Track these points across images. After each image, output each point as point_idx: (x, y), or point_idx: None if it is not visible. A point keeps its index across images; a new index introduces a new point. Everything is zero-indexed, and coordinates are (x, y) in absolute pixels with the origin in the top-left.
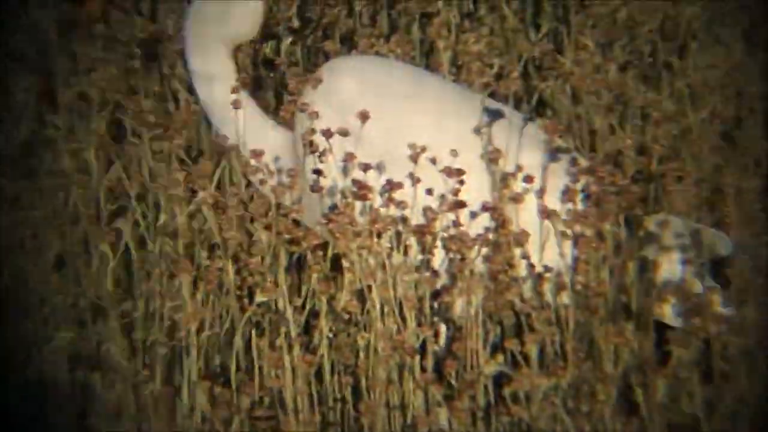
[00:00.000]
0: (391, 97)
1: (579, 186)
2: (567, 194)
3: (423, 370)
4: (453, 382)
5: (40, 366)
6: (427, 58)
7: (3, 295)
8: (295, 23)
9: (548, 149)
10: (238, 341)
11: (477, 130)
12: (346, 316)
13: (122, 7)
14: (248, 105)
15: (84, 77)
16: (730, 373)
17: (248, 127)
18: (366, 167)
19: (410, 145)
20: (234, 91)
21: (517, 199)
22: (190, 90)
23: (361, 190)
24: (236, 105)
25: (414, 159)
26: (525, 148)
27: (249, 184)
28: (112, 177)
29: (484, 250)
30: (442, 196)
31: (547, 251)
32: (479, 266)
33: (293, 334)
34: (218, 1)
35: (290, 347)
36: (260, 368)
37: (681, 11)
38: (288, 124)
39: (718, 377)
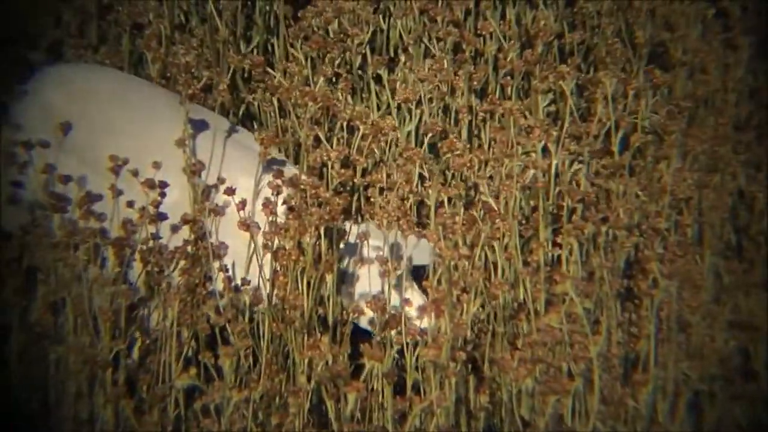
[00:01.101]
0: (97, 107)
1: (281, 198)
2: (268, 206)
3: (114, 383)
4: (144, 395)
5: None
6: (136, 70)
7: None
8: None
9: (255, 160)
10: None
11: (180, 142)
12: (39, 330)
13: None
14: None
15: None
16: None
17: None
18: (66, 179)
19: (112, 156)
20: None
21: (217, 211)
22: None
23: (59, 203)
24: None
25: (115, 171)
26: (230, 159)
27: None
28: None
29: (183, 263)
30: (143, 208)
31: (247, 263)
32: (177, 278)
33: None
34: None
35: None
36: None
37: (391, 24)
38: None
39: (410, 390)
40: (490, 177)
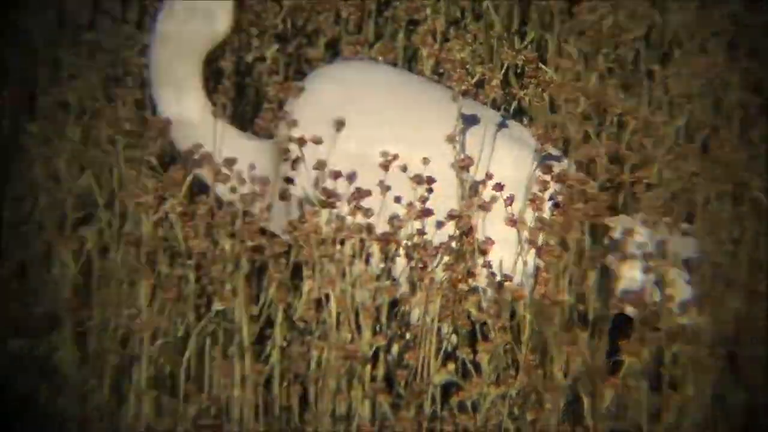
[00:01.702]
0: (370, 103)
1: (548, 194)
2: (534, 202)
3: (373, 379)
4: (402, 391)
5: None
6: (410, 66)
7: None
8: (281, 30)
9: (528, 154)
10: (191, 349)
11: (451, 139)
12: (302, 325)
13: (109, 14)
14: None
15: (64, 85)
16: (679, 382)
17: (223, 136)
18: (336, 175)
19: (383, 153)
20: (214, 102)
21: (484, 207)
22: None
23: (328, 199)
24: (216, 114)
25: (385, 167)
26: (501, 154)
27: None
28: (82, 184)
29: (446, 259)
30: (410, 204)
31: (511, 259)
32: (440, 275)
33: (246, 342)
34: (187, 7)
35: (242, 356)
36: (210, 377)
37: (667, 19)
38: (264, 133)
39: (666, 386)
40: None
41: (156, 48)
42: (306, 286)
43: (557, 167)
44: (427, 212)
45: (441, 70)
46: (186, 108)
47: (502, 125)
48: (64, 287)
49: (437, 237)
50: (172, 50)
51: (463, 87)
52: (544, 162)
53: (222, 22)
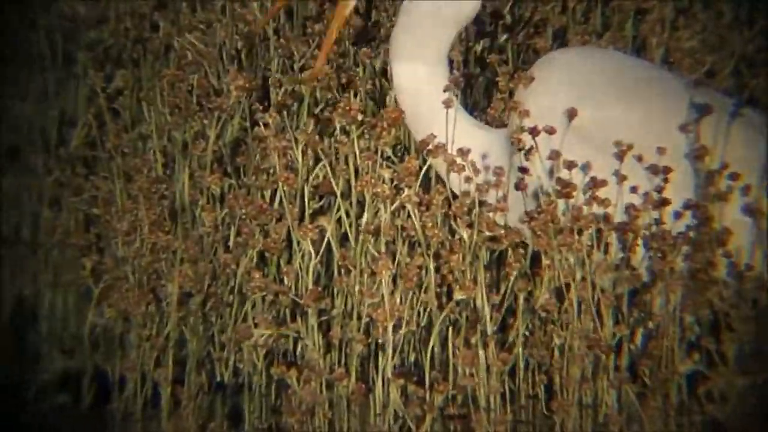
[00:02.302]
0: (602, 90)
1: None
2: None
3: (617, 368)
4: (647, 381)
5: (235, 363)
6: (638, 55)
7: (207, 291)
8: (508, 20)
9: (761, 144)
10: (434, 338)
11: (684, 128)
12: (543, 314)
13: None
14: (456, 104)
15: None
16: None
17: (456, 126)
18: (571, 165)
19: (616, 142)
20: (446, 89)
21: (722, 196)
22: None
23: (564, 189)
24: (448, 104)
25: (620, 157)
26: (733, 143)
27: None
28: (319, 175)
29: (685, 248)
30: (646, 194)
31: (750, 249)
32: (680, 264)
33: (489, 331)
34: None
35: (485, 345)
36: (454, 366)
37: None
38: (496, 123)
39: None
40: None
41: (401, 29)
42: (545, 275)
43: None
44: (664, 202)
45: (671, 60)
46: (424, 102)
47: (736, 113)
48: (306, 277)
49: (675, 227)
50: (420, 31)
51: (694, 76)
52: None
53: (469, 8)
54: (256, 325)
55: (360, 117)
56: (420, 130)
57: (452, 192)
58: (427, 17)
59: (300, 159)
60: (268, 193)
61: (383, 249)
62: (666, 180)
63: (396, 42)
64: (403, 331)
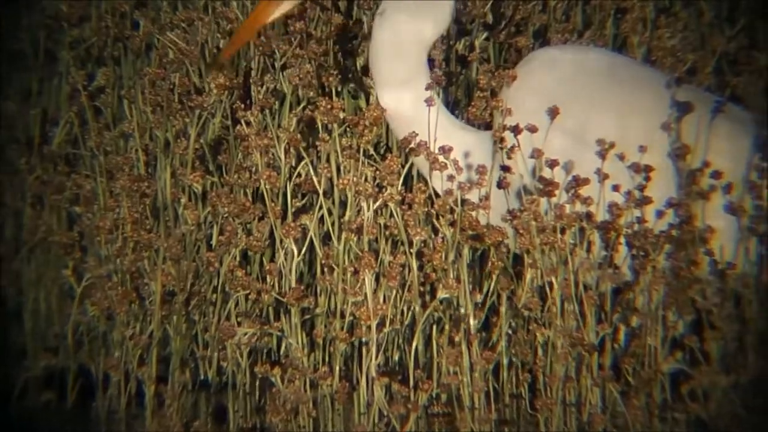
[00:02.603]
0: (585, 87)
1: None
2: (754, 189)
3: (601, 367)
4: (630, 379)
5: (219, 361)
6: (620, 53)
7: (190, 289)
8: (489, 19)
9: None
10: (418, 337)
11: (665, 127)
12: (526, 313)
13: (319, 3)
14: (438, 104)
15: (277, 74)
16: None
17: (438, 125)
18: (553, 164)
19: (598, 141)
20: (428, 87)
21: (702, 195)
22: None
23: (547, 187)
24: (429, 102)
25: (602, 155)
26: (715, 141)
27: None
28: (301, 173)
29: (667, 247)
30: (628, 193)
31: (732, 247)
32: (662, 263)
33: (473, 330)
34: (406, 5)
35: (469, 344)
36: (438, 365)
37: None
38: (477, 122)
39: None
40: None
41: (376, 45)
42: (528, 273)
43: None
44: (646, 200)
45: (652, 58)
46: (407, 104)
47: (718, 110)
48: (288, 275)
49: (657, 226)
50: (392, 49)
51: (676, 75)
52: (763, 147)
53: (441, 20)
54: (239, 324)
55: (342, 115)
56: (402, 129)
57: (434, 190)
58: (403, 27)
59: (282, 157)
60: (250, 192)
61: (366, 247)
62: (648, 178)
63: (374, 53)
64: (386, 329)
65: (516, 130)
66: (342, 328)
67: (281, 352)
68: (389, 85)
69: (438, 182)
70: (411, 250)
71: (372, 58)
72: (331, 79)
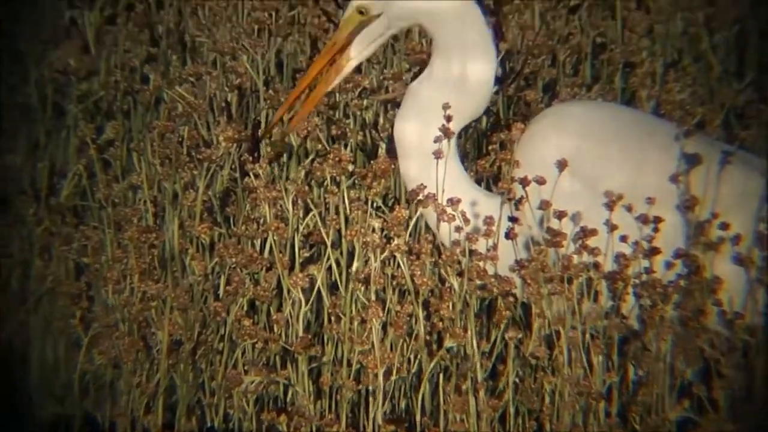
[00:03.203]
0: (594, 144)
1: None
2: (762, 240)
3: (608, 415)
4: (638, 427)
5: (225, 409)
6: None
7: (197, 338)
8: (498, 72)
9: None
10: (425, 385)
11: (674, 179)
12: (534, 361)
13: None
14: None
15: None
16: None
17: (447, 177)
18: (561, 215)
19: (607, 192)
20: (437, 140)
21: (711, 246)
22: (390, 140)
23: (554, 238)
24: (438, 155)
25: (610, 207)
26: (724, 192)
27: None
28: (309, 224)
29: (675, 297)
30: (636, 243)
31: (740, 298)
32: (670, 313)
33: (480, 378)
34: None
35: (476, 392)
36: (445, 413)
37: None
38: (487, 173)
39: None
40: None
41: (403, 119)
42: (536, 322)
43: None
44: (654, 251)
45: (661, 112)
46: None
47: (728, 160)
48: (296, 324)
49: (666, 276)
50: (423, 124)
51: (685, 128)
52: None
53: (481, 99)
54: (246, 372)
55: (350, 168)
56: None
57: (442, 242)
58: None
59: (290, 209)
60: (258, 243)
61: (373, 297)
62: (657, 230)
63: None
64: (393, 377)
65: (524, 182)
66: (349, 376)
67: (288, 399)
68: (415, 158)
69: (446, 233)
70: (418, 300)
71: (400, 130)
72: (339, 131)
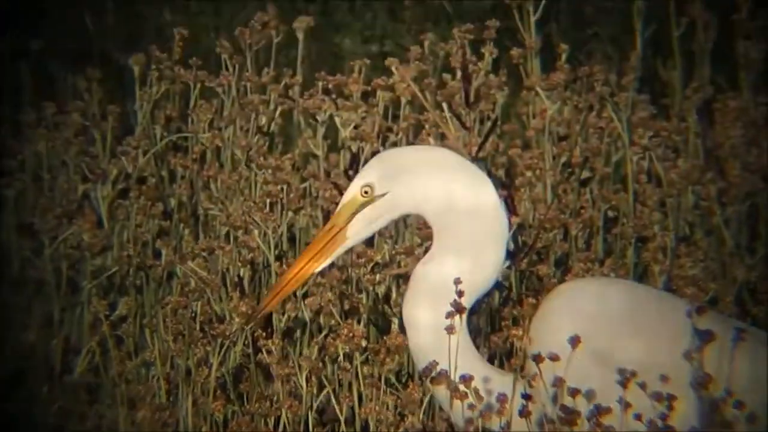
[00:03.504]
0: (607, 322)
1: None
2: None
3: None
4: None
5: None
6: (640, 282)
7: None
8: (511, 246)
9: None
10: None
11: (687, 355)
12: None
13: None
14: (460, 331)
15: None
16: None
17: (459, 355)
18: (575, 393)
19: (620, 370)
20: (449, 316)
21: (726, 425)
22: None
23: (569, 416)
24: (450, 330)
25: (624, 384)
26: (738, 370)
27: None
28: (323, 401)
29: None
30: (650, 421)
31: None
32: None
33: None
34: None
35: None
36: None
37: None
38: (498, 350)
39: None
40: None
41: (415, 292)
42: None
43: None
44: (668, 430)
45: (673, 287)
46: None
47: (741, 337)
48: None
49: None
50: (434, 295)
51: (697, 305)
52: None
53: (492, 270)
54: None
55: (363, 343)
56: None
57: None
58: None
59: (304, 385)
60: (271, 420)
61: None
62: (671, 407)
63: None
64: None
65: (538, 359)
66: None
67: None
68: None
69: (459, 412)
70: None
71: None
72: (352, 306)
